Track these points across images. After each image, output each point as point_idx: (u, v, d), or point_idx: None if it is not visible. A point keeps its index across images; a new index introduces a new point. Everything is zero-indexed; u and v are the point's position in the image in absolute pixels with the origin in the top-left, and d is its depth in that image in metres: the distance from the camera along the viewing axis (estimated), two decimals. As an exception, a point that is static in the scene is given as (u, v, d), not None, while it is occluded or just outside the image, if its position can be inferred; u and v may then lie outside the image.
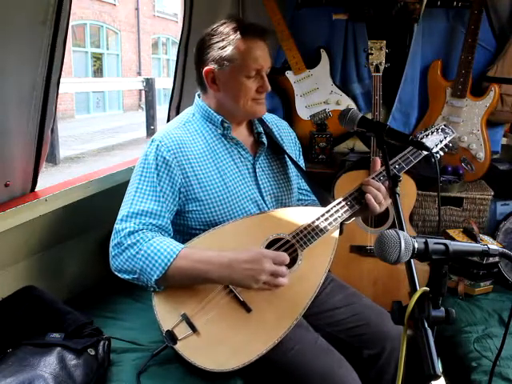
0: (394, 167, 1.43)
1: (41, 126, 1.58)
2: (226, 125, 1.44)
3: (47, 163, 7.19)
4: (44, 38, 1.46)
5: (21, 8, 1.35)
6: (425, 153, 1.43)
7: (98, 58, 14.81)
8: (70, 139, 9.86)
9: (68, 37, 1.56)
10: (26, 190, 1.62)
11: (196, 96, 1.52)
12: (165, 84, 13.51)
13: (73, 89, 10.10)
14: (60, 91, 1.62)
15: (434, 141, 1.49)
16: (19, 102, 1.47)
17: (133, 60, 16.04)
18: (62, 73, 1.60)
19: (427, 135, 1.50)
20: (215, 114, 1.45)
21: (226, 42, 1.36)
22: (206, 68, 1.40)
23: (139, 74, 15.77)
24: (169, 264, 1.24)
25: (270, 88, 1.42)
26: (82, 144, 9.64)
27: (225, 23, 1.39)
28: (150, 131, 10.35)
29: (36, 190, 1.66)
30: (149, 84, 10.90)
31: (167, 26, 18.05)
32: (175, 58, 2.45)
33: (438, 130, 1.51)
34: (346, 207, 1.39)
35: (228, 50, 1.35)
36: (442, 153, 1.51)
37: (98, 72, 14.86)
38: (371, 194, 1.38)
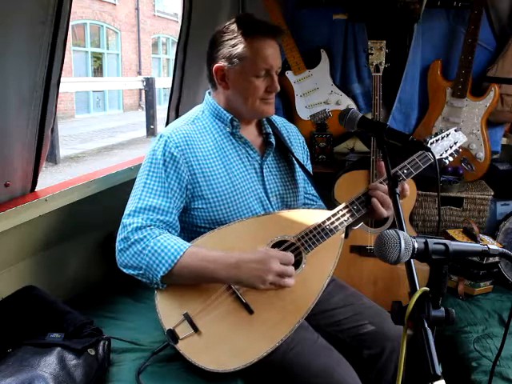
0: (403, 172, 1.42)
1: (41, 126, 1.58)
2: (235, 123, 1.44)
3: (47, 162, 7.20)
4: (44, 38, 1.46)
5: (21, 8, 1.35)
6: (431, 160, 1.42)
7: (98, 58, 14.81)
8: (69, 139, 9.87)
9: (68, 36, 1.55)
10: (26, 190, 1.62)
11: (206, 93, 1.51)
12: (165, 83, 13.51)
13: (73, 88, 10.10)
14: (60, 91, 1.62)
15: (444, 146, 1.48)
16: (19, 102, 1.47)
17: (133, 59, 16.04)
18: (62, 72, 1.59)
19: (437, 140, 1.49)
20: (224, 111, 1.44)
21: (238, 39, 1.36)
22: (216, 65, 1.39)
23: (139, 73, 15.77)
24: (175, 261, 1.24)
25: (279, 88, 1.41)
26: (82, 143, 9.64)
27: (237, 21, 1.39)
28: (150, 131, 10.36)
29: (36, 189, 1.66)
30: (149, 83, 10.91)
31: (167, 25, 18.05)
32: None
33: (448, 135, 1.51)
34: (353, 211, 1.38)
35: (239, 48, 1.35)
36: (451, 158, 1.51)
37: (98, 71, 14.86)
38: (378, 199, 1.37)
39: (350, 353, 1.41)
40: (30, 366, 1.15)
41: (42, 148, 1.62)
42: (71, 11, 1.53)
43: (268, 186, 1.47)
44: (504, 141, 2.62)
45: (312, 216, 1.38)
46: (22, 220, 1.49)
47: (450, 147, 1.50)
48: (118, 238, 1.31)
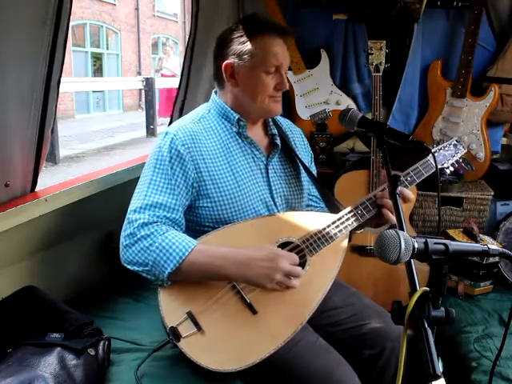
0: (406, 179, 1.43)
1: (41, 126, 1.58)
2: (241, 123, 1.44)
3: (47, 162, 7.18)
4: (44, 38, 1.46)
5: (21, 8, 1.35)
6: (433, 168, 1.44)
7: (97, 58, 14.80)
8: (69, 139, 9.86)
9: (68, 37, 1.55)
10: (26, 190, 1.62)
11: (213, 93, 1.51)
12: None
13: (73, 88, 10.06)
14: (60, 91, 1.62)
15: (446, 156, 1.53)
16: (19, 102, 1.47)
17: (133, 60, 16.03)
18: (62, 73, 1.59)
19: (439, 150, 1.53)
20: (232, 111, 1.44)
21: (248, 37, 1.37)
22: (225, 62, 1.40)
23: (139, 73, 15.76)
24: (184, 257, 1.23)
25: (287, 86, 1.42)
26: (82, 143, 9.63)
27: (245, 20, 1.41)
28: (150, 131, 10.34)
29: (36, 189, 1.66)
30: (149, 84, 10.88)
31: (167, 25, 18.04)
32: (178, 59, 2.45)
33: (449, 145, 1.55)
34: (357, 216, 1.39)
35: (249, 45, 1.36)
36: (452, 168, 1.55)
37: (98, 72, 14.85)
38: (389, 208, 1.37)
39: (350, 353, 1.41)
40: (30, 366, 1.15)
41: (42, 148, 1.62)
42: (71, 11, 1.53)
43: (273, 187, 1.47)
44: (504, 141, 2.62)
45: (317, 219, 1.38)
46: (21, 220, 1.48)
47: (452, 157, 1.55)
48: (124, 233, 1.29)
